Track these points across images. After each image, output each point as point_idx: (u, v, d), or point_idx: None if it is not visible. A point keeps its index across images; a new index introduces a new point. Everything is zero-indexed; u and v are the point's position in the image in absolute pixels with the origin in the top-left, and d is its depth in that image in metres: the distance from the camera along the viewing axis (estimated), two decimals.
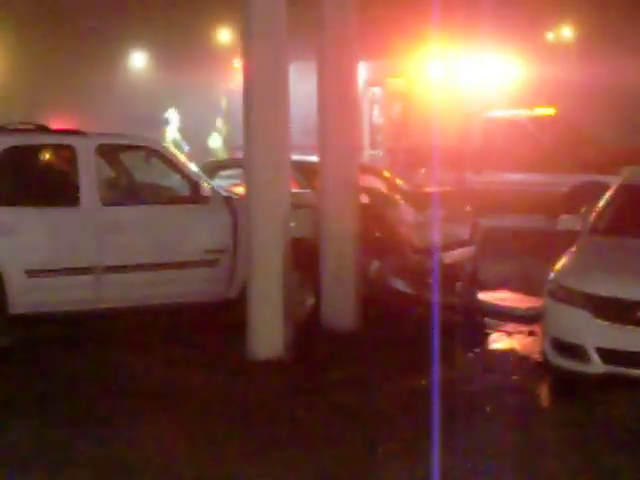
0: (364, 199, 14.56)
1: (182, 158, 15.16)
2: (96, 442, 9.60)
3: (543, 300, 11.57)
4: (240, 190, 13.65)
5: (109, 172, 14.11)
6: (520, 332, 13.91)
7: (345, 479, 8.66)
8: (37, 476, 8.81)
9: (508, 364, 12.64)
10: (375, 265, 14.61)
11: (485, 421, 10.13)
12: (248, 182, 12.93)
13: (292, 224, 12.86)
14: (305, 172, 14.62)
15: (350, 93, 14.43)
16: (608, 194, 12.84)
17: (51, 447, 9.53)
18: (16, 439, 9.77)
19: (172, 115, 35.59)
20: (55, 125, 15.47)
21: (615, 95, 37.95)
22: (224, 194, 14.01)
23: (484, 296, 15.80)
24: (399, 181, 18.10)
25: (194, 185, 13.90)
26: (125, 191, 14.16)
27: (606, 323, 10.66)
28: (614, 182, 13.17)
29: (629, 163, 15.95)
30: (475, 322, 14.50)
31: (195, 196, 13.82)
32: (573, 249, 11.87)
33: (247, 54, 12.93)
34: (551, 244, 13.03)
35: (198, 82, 46.30)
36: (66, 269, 12.94)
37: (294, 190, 13.31)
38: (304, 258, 13.30)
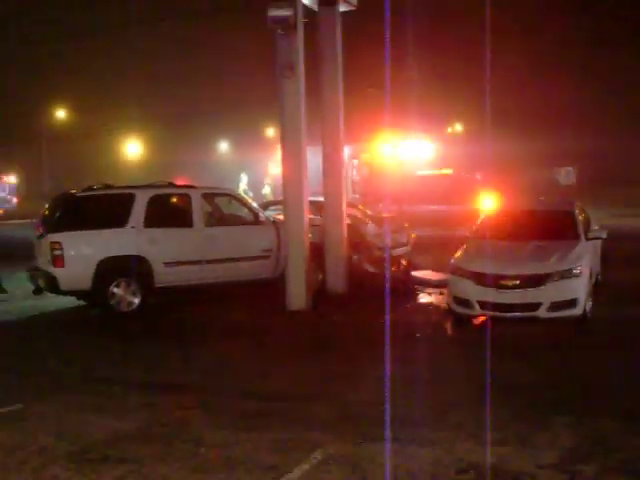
0: (348, 221, 14.60)
1: (249, 200, 15.21)
2: (193, 358, 9.70)
3: (448, 275, 11.61)
4: (280, 217, 13.67)
5: (208, 208, 14.14)
6: (435, 293, 13.96)
7: (334, 372, 8.68)
8: (160, 377, 8.90)
9: (429, 310, 12.67)
10: (355, 257, 14.61)
11: (416, 341, 10.19)
12: (285, 213, 12.96)
13: (310, 235, 12.94)
14: (316, 206, 14.65)
15: (340, 163, 14.39)
16: (482, 215, 12.88)
17: (175, 359, 9.63)
18: (147, 353, 9.89)
19: (242, 176, 35.70)
20: (178, 182, 15.50)
21: (487, 161, 38.09)
22: (272, 219, 14.04)
23: (416, 273, 15.82)
24: (368, 211, 18.13)
25: (255, 215, 13.92)
26: (217, 218, 14.14)
27: (481, 286, 10.65)
28: (485, 209, 13.19)
29: (494, 197, 15.99)
30: (410, 287, 14.52)
31: (256, 221, 13.81)
32: (464, 246, 11.89)
33: (283, 142, 12.90)
34: (452, 244, 13.06)
35: (256, 157, 46.50)
36: (185, 261, 12.93)
37: (310, 216, 13.33)
38: (317, 253, 13.28)
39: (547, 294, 10.41)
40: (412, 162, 29.65)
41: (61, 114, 59.32)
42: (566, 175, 56.58)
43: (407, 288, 14.22)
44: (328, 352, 9.78)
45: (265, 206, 17.08)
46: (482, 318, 10.90)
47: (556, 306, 10.42)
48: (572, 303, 10.49)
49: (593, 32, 55.31)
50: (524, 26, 55.06)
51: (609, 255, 13.79)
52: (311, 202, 13.41)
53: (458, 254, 11.60)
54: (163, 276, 12.72)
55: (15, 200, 48.26)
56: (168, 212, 13.37)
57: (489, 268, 10.76)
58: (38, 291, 12.97)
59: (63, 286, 12.20)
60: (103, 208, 12.84)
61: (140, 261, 12.51)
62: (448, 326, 11.31)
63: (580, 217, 12.15)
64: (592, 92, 56.11)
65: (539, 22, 56.82)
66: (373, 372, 8.35)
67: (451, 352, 9.80)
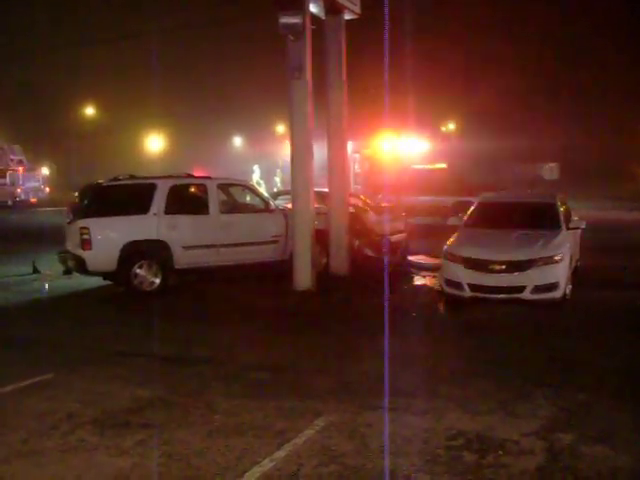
0: (351, 209, 14.58)
1: (261, 190, 15.18)
2: (209, 333, 9.67)
3: (441, 259, 11.59)
4: (289, 205, 13.66)
5: (223, 197, 14.11)
6: (429, 276, 13.94)
7: (336, 346, 8.69)
8: (178, 351, 8.89)
9: (423, 291, 12.67)
10: (357, 242, 14.64)
11: (411, 319, 10.17)
12: (293, 201, 12.95)
13: (315, 222, 12.92)
14: (321, 196, 14.63)
15: (343, 157, 14.42)
16: (473, 206, 12.86)
17: (192, 334, 9.62)
18: (167, 329, 9.88)
19: (255, 168, 35.63)
20: (196, 173, 15.45)
21: (477, 157, 37.96)
22: (281, 207, 14.03)
23: (412, 258, 15.85)
24: (368, 200, 18.11)
25: (266, 203, 13.92)
26: (232, 206, 14.13)
27: (471, 270, 10.70)
28: (476, 200, 13.15)
29: (484, 190, 15.92)
30: (407, 271, 14.53)
31: (267, 208, 13.82)
32: (455, 234, 11.89)
33: (292, 138, 12.89)
34: (444, 232, 13.02)
35: (268, 151, 46.40)
36: (202, 245, 12.93)
37: (316, 205, 13.31)
38: (321, 239, 13.30)
39: (531, 278, 10.42)
40: (409, 157, 29.54)
41: (89, 112, 59.36)
42: (550, 170, 56.41)
43: (403, 271, 14.22)
44: (331, 328, 9.76)
45: (275, 195, 17.07)
46: (471, 299, 10.88)
47: (539, 289, 10.44)
48: (553, 286, 10.51)
49: (576, 37, 55.04)
50: (509, 32, 54.83)
51: (587, 243, 13.76)
52: (317, 192, 13.40)
53: (450, 241, 11.60)
54: (182, 259, 12.73)
55: (47, 190, 48.39)
56: (187, 200, 13.34)
57: (479, 254, 10.79)
58: (68, 272, 13.01)
59: (90, 267, 12.22)
60: (127, 196, 12.81)
61: (161, 245, 12.53)
62: (440, 306, 11.30)
63: (561, 209, 12.13)
64: (575, 95, 55.91)
65: (522, 28, 56.56)
66: (372, 347, 8.34)
67: (443, 329, 9.77)
